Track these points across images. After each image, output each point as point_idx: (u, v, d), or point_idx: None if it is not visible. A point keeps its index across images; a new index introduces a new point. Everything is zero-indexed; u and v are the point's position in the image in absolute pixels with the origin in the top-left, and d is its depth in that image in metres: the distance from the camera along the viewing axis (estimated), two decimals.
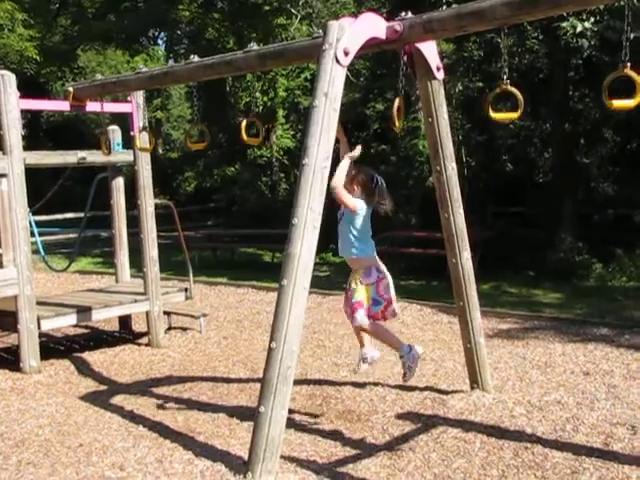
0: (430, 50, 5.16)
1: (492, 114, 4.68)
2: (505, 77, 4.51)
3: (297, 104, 18.62)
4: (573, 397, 5.58)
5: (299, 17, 19.22)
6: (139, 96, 7.49)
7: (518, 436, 4.80)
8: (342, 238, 5.03)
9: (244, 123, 5.94)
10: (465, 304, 5.61)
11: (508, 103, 5.21)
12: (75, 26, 22.09)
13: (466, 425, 5.02)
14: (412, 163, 14.42)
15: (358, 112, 15.66)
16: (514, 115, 4.61)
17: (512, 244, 12.27)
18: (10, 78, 6.67)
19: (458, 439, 4.78)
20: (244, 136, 5.91)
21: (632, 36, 3.83)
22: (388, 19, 4.86)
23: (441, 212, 5.54)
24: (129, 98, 7.56)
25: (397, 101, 4.80)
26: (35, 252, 7.24)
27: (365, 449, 4.71)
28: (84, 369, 7.03)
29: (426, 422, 5.15)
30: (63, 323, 7.35)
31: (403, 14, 4.77)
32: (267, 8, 18.63)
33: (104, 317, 7.83)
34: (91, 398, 5.97)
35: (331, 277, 12.76)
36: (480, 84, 13.53)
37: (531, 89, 13.02)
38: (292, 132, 18.73)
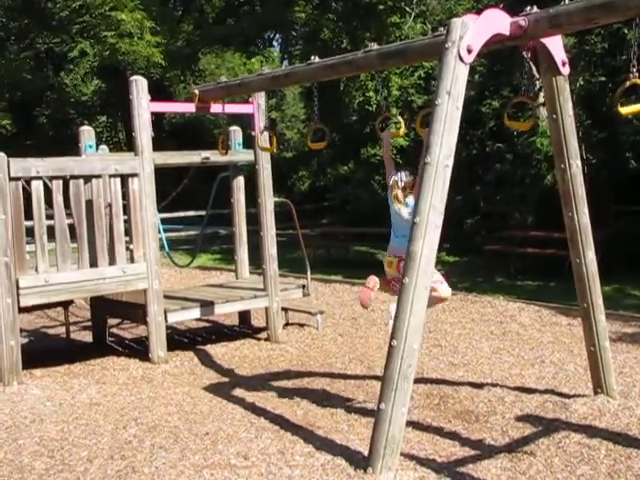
0: (556, 45, 5.02)
1: (620, 109, 4.51)
2: (635, 69, 4.34)
3: (411, 102, 18.48)
4: None
5: (413, 15, 19.10)
6: (260, 97, 7.70)
7: None
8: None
9: (378, 120, 6.15)
10: (589, 305, 5.44)
11: (633, 96, 5.00)
12: (197, 31, 22.93)
13: (590, 431, 4.87)
14: (529, 161, 14.03)
15: (473, 110, 15.34)
16: None
17: (636, 244, 11.73)
18: (142, 83, 7.04)
19: (582, 445, 4.65)
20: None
21: None
22: (512, 14, 4.78)
23: (565, 211, 5.39)
24: (250, 99, 7.79)
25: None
26: (160, 248, 7.61)
27: (484, 450, 4.66)
28: (207, 361, 7.32)
29: (547, 426, 5.03)
30: (188, 316, 7.68)
31: (528, 9, 4.68)
32: (381, 7, 18.62)
33: (226, 312, 8.11)
34: (215, 389, 6.21)
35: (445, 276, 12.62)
36: (602, 79, 13.00)
37: None
38: (406, 131, 18.64)
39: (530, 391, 5.82)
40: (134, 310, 7.54)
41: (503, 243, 13.24)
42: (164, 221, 13.17)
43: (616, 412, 5.21)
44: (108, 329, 8.49)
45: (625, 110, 4.62)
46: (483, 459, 4.49)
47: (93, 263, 6.88)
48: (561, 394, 5.72)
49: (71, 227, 6.77)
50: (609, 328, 7.34)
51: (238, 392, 6.10)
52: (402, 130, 6.23)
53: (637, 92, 4.54)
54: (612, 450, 4.55)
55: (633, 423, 5.00)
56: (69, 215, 6.78)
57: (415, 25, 18.96)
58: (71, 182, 6.77)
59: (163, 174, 9.00)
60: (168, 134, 23.98)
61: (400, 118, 6.16)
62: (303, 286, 8.61)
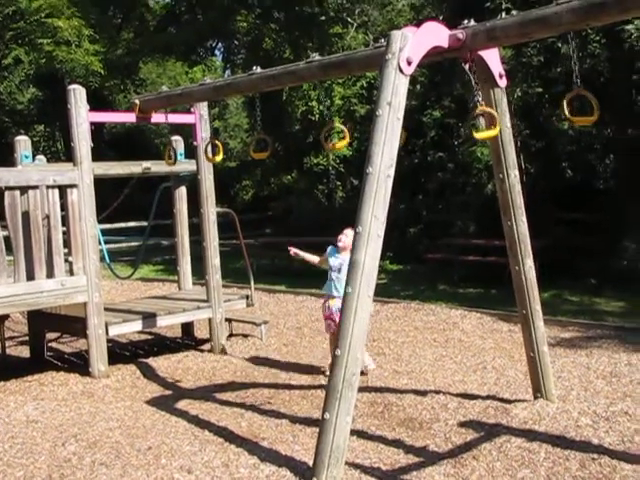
0: (493, 57, 5.15)
1: (570, 117, 4.65)
2: (578, 80, 4.49)
3: (353, 112, 18.65)
4: None
5: (355, 26, 19.31)
6: (202, 107, 7.65)
7: (584, 447, 4.72)
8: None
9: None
10: (528, 312, 5.56)
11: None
12: (137, 39, 22.67)
13: (530, 435, 4.96)
14: (470, 170, 14.32)
15: (415, 119, 15.59)
16: (592, 118, 4.55)
17: (573, 252, 12.06)
18: (81, 92, 6.92)
19: (522, 449, 4.73)
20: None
21: None
22: (451, 27, 4.87)
23: (503, 219, 5.50)
24: (192, 109, 7.74)
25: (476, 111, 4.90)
26: (100, 260, 7.47)
27: (428, 457, 4.70)
28: (149, 374, 7.21)
29: (489, 431, 5.11)
30: (129, 329, 7.56)
31: (465, 22, 4.78)
32: (323, 18, 18.78)
33: (168, 324, 8.01)
34: (157, 402, 6.12)
35: (388, 285, 12.76)
36: (539, 90, 13.36)
37: (592, 94, 12.80)
38: (349, 140, 18.79)
39: (472, 397, 5.89)
40: (74, 323, 7.37)
41: (445, 251, 13.45)
42: (105, 232, 12.97)
43: (555, 416, 5.33)
44: (46, 343, 8.27)
45: (576, 120, 4.76)
46: (427, 466, 4.53)
47: (30, 276, 6.71)
48: (502, 399, 5.81)
49: (7, 239, 6.59)
50: (548, 333, 7.53)
51: (181, 405, 6.02)
52: (346, 140, 6.21)
53: (582, 102, 4.67)
54: (551, 453, 4.65)
55: (571, 426, 5.12)
56: (5, 227, 6.60)
57: (357, 35, 19.18)
58: (6, 193, 6.59)
59: (103, 184, 8.88)
60: (108, 144, 23.63)
61: (344, 127, 6.13)
62: (247, 296, 8.57)
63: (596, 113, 4.46)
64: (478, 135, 5.21)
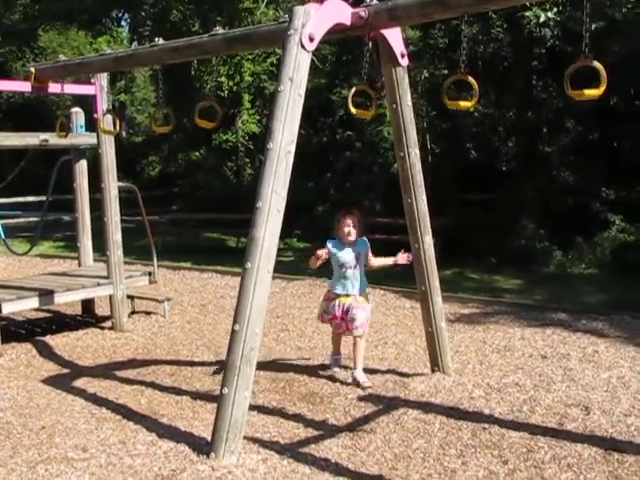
0: (395, 37, 5.21)
1: (447, 102, 4.79)
2: (463, 65, 4.61)
3: (263, 89, 18.47)
4: (530, 379, 5.73)
5: (265, 1, 19.08)
6: (103, 78, 7.41)
7: (476, 417, 4.92)
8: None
9: (199, 106, 5.97)
10: (427, 288, 5.71)
11: (472, 91, 5.30)
12: (36, 5, 21.61)
13: (426, 407, 5.13)
14: (377, 150, 14.49)
15: (324, 97, 15.64)
16: (468, 104, 4.72)
17: (474, 231, 12.44)
18: None
19: (418, 420, 4.88)
20: (197, 119, 5.97)
21: (593, 27, 3.93)
22: (353, 5, 4.89)
23: (404, 197, 5.62)
24: (92, 80, 7.49)
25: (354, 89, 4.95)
26: None
27: (327, 430, 4.78)
28: (46, 353, 6.99)
29: (387, 404, 5.24)
30: (25, 306, 7.29)
31: (368, 0, 4.81)
32: None
33: (67, 300, 7.77)
34: (53, 381, 5.95)
35: (295, 262, 12.80)
36: (445, 71, 13.62)
37: (495, 77, 13.17)
38: (258, 117, 18.61)
39: (373, 372, 6.01)
40: None
41: None
42: (1, 206, 12.46)
43: (450, 388, 5.52)
44: None
45: (453, 104, 4.89)
46: (325, 439, 4.61)
47: None
48: (401, 373, 5.97)
49: None
50: (448, 310, 7.80)
51: (79, 383, 5.88)
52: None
53: (468, 87, 4.80)
54: (445, 423, 4.82)
55: (465, 398, 5.32)
56: None
57: (267, 11, 18.94)
58: None
59: (1, 157, 8.50)
60: (5, 114, 22.56)
61: (217, 106, 6.02)
62: (149, 273, 8.42)
63: (474, 99, 4.63)
64: (354, 111, 5.21)
